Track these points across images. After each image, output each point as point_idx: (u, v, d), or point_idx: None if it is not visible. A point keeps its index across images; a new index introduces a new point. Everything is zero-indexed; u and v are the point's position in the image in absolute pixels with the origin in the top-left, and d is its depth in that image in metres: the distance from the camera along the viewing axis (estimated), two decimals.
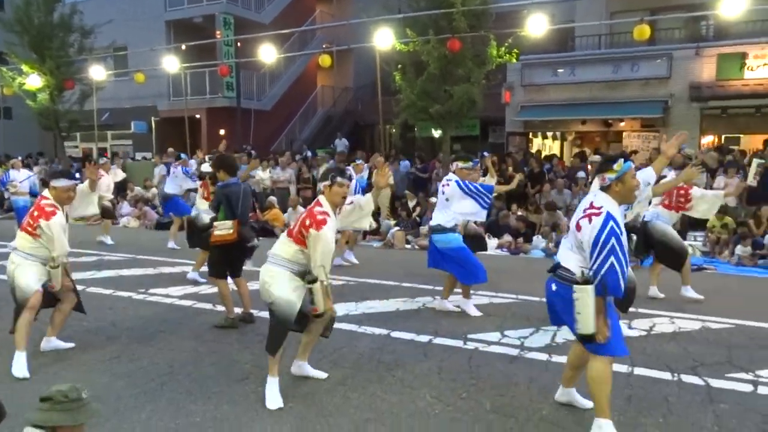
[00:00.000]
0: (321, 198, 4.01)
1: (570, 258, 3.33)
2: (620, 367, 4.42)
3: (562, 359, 4.57)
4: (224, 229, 5.36)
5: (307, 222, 3.81)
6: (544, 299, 6.49)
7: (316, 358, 4.65)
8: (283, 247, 3.97)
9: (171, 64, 15.91)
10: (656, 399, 3.89)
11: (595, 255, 3.10)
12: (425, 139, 20.40)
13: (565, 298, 3.25)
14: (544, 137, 17.84)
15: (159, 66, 16.17)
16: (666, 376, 4.29)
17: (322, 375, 4.25)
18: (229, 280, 5.59)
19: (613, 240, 3.07)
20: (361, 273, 7.85)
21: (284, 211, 12.27)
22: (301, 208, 12.43)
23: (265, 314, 5.77)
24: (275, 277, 3.90)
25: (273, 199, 12.51)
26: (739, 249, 9.03)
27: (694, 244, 9.69)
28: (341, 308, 6.10)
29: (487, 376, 4.30)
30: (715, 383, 4.15)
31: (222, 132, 19.94)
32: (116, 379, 4.28)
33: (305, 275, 3.85)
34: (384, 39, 12.77)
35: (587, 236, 3.14)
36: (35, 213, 4.51)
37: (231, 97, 18.99)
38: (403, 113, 13.72)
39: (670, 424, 3.53)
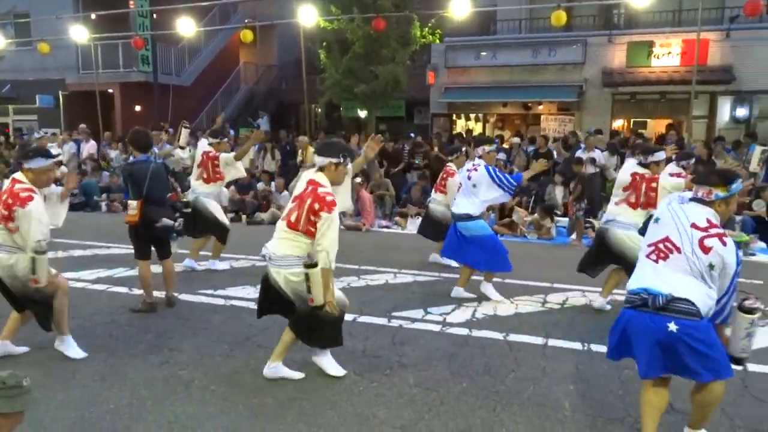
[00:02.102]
0: (319, 176, 3.71)
1: (691, 287, 2.80)
2: (536, 340, 4.65)
3: (482, 333, 4.77)
4: (131, 209, 5.11)
5: (316, 206, 3.53)
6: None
7: (239, 339, 4.59)
8: (292, 244, 3.65)
9: (79, 34, 14.91)
10: (568, 368, 4.11)
11: (731, 285, 2.80)
12: (351, 119, 20.33)
13: (693, 337, 2.76)
14: (468, 119, 18.22)
15: (66, 36, 15.12)
16: (577, 346, 4.54)
17: (299, 375, 3.89)
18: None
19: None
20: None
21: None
22: (224, 189, 12.09)
23: (188, 297, 5.66)
24: (312, 282, 3.53)
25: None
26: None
27: None
28: None
29: (410, 352, 4.39)
30: None
31: (138, 108, 19.00)
32: (25, 368, 4.02)
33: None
34: (308, 16, 12.53)
35: (724, 260, 2.75)
36: (9, 201, 3.89)
37: (147, 72, 18.04)
38: (327, 92, 13.61)
39: (580, 391, 3.75)
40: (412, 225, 10.56)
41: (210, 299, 5.68)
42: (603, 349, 4.45)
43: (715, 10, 14.76)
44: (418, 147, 12.37)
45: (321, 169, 3.74)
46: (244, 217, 11.17)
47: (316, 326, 3.75)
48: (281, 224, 3.75)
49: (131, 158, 5.41)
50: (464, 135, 14.59)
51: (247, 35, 13.25)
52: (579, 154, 10.53)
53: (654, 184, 5.08)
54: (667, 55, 14.47)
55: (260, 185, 11.79)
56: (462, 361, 4.23)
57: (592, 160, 10.38)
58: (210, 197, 6.70)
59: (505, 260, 5.67)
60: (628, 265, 5.09)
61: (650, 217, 3.37)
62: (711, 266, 2.77)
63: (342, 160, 3.72)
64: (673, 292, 2.80)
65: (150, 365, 4.10)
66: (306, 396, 3.66)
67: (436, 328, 4.93)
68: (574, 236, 9.18)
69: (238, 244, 7.45)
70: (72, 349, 4.24)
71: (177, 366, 4.07)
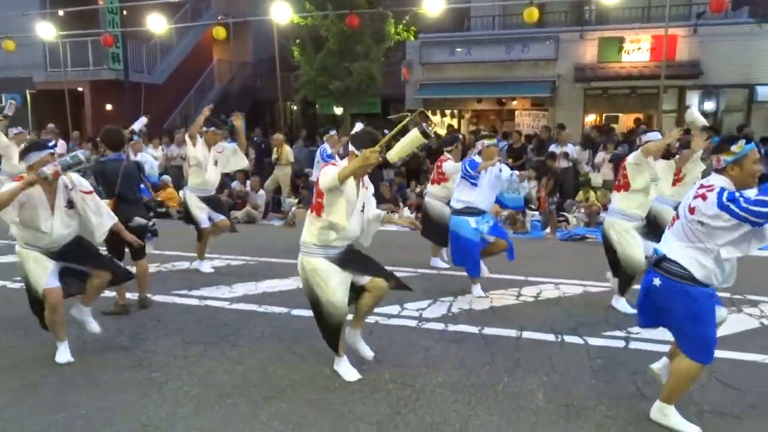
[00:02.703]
0: (341, 162, 3.71)
1: (680, 250, 3.07)
2: (510, 332, 4.70)
3: (457, 327, 4.80)
4: None
5: (318, 176, 3.61)
6: (443, 271, 6.74)
7: (213, 339, 4.55)
8: (308, 228, 3.71)
9: (46, 31, 14.59)
10: (541, 359, 4.17)
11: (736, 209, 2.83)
12: (326, 116, 20.25)
13: (670, 296, 3.09)
14: (443, 115, 18.28)
15: (32, 33, 14.78)
16: (550, 337, 4.60)
17: (369, 354, 3.98)
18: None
19: (741, 198, 2.81)
20: (261, 252, 7.71)
21: (179, 189, 11.76)
22: None
23: (161, 298, 5.60)
24: (321, 276, 3.66)
25: (167, 178, 11.94)
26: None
27: (578, 215, 10.41)
28: (240, 289, 6.01)
29: (387, 347, 4.40)
30: (593, 341, 4.51)
31: (109, 107, 18.67)
32: None
33: (344, 257, 3.74)
34: (281, 12, 12.45)
35: (709, 211, 2.89)
36: None
37: (117, 70, 17.72)
38: (302, 89, 13.53)
39: (553, 382, 3.80)
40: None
41: (184, 300, 5.62)
42: (576, 340, 4.55)
43: (682, 7, 15.06)
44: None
45: (348, 156, 3.72)
46: None
47: (319, 320, 3.83)
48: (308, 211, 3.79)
49: (102, 157, 5.31)
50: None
51: (220, 32, 13.11)
52: (552, 148, 10.66)
53: (624, 163, 5.20)
54: (637, 50, 14.70)
55: (235, 184, 11.69)
56: (438, 355, 4.26)
57: (565, 155, 10.51)
58: (194, 191, 6.55)
59: (474, 266, 5.69)
60: (614, 258, 5.23)
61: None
62: (701, 223, 2.96)
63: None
64: (667, 253, 3.12)
65: (122, 368, 4.05)
66: (281, 394, 3.64)
67: (412, 323, 4.95)
68: (548, 230, 9.29)
69: (212, 243, 7.37)
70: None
71: (150, 368, 4.02)
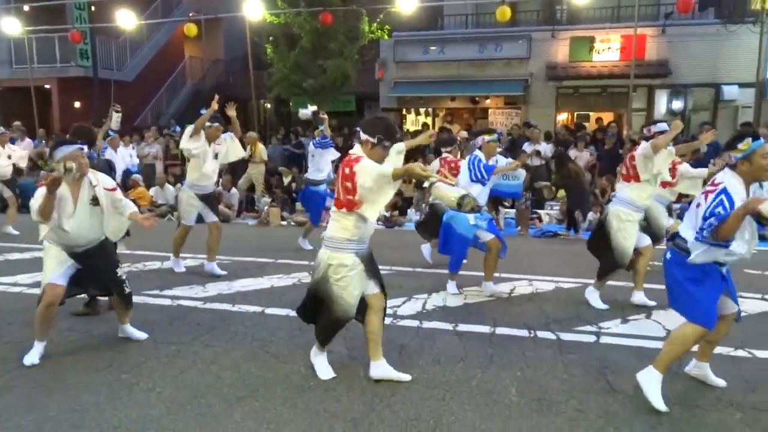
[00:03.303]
0: (357, 149, 3.57)
1: (687, 230, 3.37)
2: (483, 329, 4.75)
3: (432, 324, 4.83)
4: None
5: (347, 170, 3.43)
6: (418, 269, 6.77)
7: (186, 339, 4.50)
8: (337, 225, 3.58)
9: (11, 26, 14.23)
10: (515, 355, 4.22)
11: (707, 215, 3.15)
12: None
13: (674, 266, 3.41)
14: (417, 113, 18.35)
15: None
16: (523, 333, 4.66)
17: (406, 377, 3.78)
18: None
19: (719, 209, 3.08)
20: (235, 251, 7.64)
21: (150, 188, 11.59)
22: (169, 187, 11.82)
23: (133, 299, 5.49)
24: (347, 274, 3.55)
25: (137, 177, 11.74)
26: (590, 215, 9.95)
27: (551, 213, 10.56)
28: (213, 288, 5.95)
29: (361, 345, 4.38)
30: (565, 337, 4.58)
31: (77, 104, 18.29)
32: None
33: (367, 256, 3.67)
34: (254, 9, 12.34)
35: (703, 207, 3.20)
36: None
37: (86, 66, 17.38)
38: (276, 87, 13.43)
39: (526, 377, 3.85)
40: None
41: (156, 300, 5.55)
42: (548, 335, 4.61)
43: (651, 7, 15.36)
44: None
45: (360, 143, 3.60)
46: None
47: (318, 315, 3.78)
48: (333, 206, 3.68)
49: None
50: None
51: (191, 29, 12.96)
52: (525, 147, 10.78)
53: (634, 153, 5.23)
54: (608, 50, 14.96)
55: None
56: (412, 352, 4.28)
57: (537, 153, 10.64)
58: (192, 188, 6.42)
59: (457, 262, 5.72)
60: (606, 244, 5.26)
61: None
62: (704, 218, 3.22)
63: (376, 141, 3.50)
64: (680, 231, 3.43)
65: (93, 370, 3.97)
66: (255, 393, 3.62)
67: (387, 320, 4.90)
68: (520, 227, 9.40)
69: (185, 242, 7.28)
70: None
71: (120, 369, 3.96)
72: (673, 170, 5.77)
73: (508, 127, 14.16)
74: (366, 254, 3.69)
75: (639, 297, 5.36)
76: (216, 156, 6.43)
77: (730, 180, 3.22)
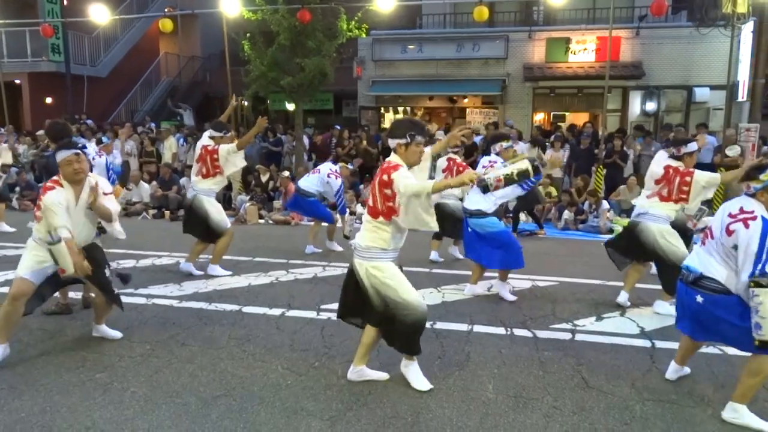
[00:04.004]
0: (393, 157, 3.49)
1: (717, 268, 3.28)
2: (461, 326, 4.77)
3: None
4: None
5: (384, 177, 3.36)
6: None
7: (161, 339, 4.44)
8: (373, 235, 3.48)
9: None
10: (492, 352, 4.25)
11: (764, 257, 3.05)
12: (278, 112, 20.02)
13: (717, 310, 3.27)
14: (396, 112, 18.36)
15: None
16: (500, 331, 4.70)
17: (384, 375, 3.77)
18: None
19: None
20: (211, 249, 7.55)
21: (124, 185, 11.40)
22: (144, 184, 11.65)
23: None
24: (394, 278, 3.47)
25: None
26: (566, 214, 10.08)
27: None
28: (190, 287, 5.88)
29: (339, 344, 4.39)
30: (541, 334, 4.63)
31: (49, 100, 17.90)
32: None
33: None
34: (231, 6, 12.21)
35: (744, 241, 3.09)
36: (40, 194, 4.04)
37: (58, 62, 17.03)
38: (253, 85, 13.31)
39: (503, 374, 3.88)
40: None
41: (131, 299, 5.46)
42: (525, 333, 4.66)
43: (625, 9, 15.58)
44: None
45: (395, 150, 3.53)
46: (167, 213, 10.79)
47: (391, 327, 3.58)
48: (364, 214, 3.59)
49: (46, 151, 5.13)
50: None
51: (166, 25, 12.77)
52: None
53: (688, 178, 4.93)
54: (583, 51, 15.15)
55: (184, 181, 11.42)
56: (389, 350, 4.23)
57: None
58: (211, 195, 6.32)
59: (519, 256, 5.52)
60: (658, 259, 5.11)
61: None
62: (735, 247, 3.17)
63: (409, 139, 3.44)
64: (704, 271, 3.35)
65: (64, 370, 3.89)
66: (232, 392, 3.59)
67: None
68: None
69: (160, 241, 7.20)
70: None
71: (94, 369, 3.89)
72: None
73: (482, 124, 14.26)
74: (397, 263, 3.62)
75: (624, 298, 5.40)
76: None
77: (760, 209, 3.18)
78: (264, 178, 11.89)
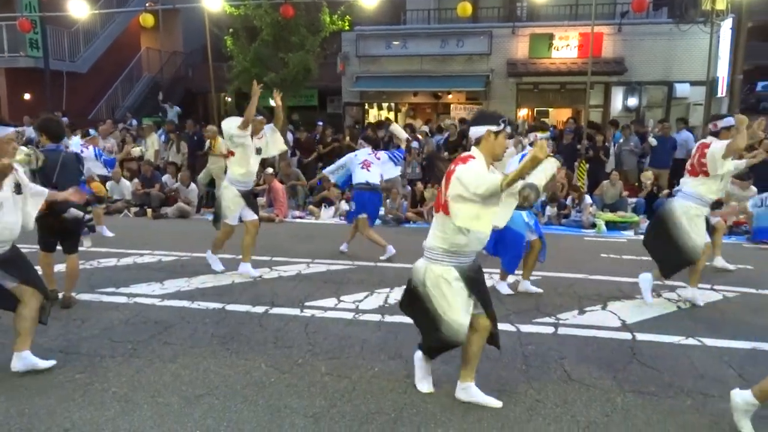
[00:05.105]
0: (474, 150, 3.25)
1: None
2: None
3: (394, 318, 4.83)
4: None
5: (454, 168, 3.18)
6: (380, 263, 6.77)
7: (143, 338, 4.40)
8: (438, 230, 3.26)
9: None
10: None
11: None
12: (262, 108, 19.83)
13: None
14: (380, 108, 18.34)
15: None
16: None
17: (497, 403, 3.41)
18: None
19: None
20: (194, 247, 7.48)
21: (105, 183, 11.24)
22: (125, 181, 11.51)
23: (86, 297, 5.35)
24: (447, 292, 3.26)
25: (92, 170, 11.37)
26: (548, 210, 10.14)
27: None
28: (172, 285, 5.83)
29: (323, 340, 4.38)
30: (524, 328, 4.66)
31: (27, 96, 17.60)
32: None
33: (471, 271, 3.32)
34: (213, 0, 12.10)
35: None
36: None
37: (36, 57, 16.73)
38: (236, 80, 13.22)
39: (486, 368, 3.89)
40: (326, 214, 10.54)
41: (111, 297, 5.40)
42: (508, 327, 4.67)
43: (607, 5, 15.70)
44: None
45: (477, 142, 3.26)
46: (149, 211, 10.68)
47: (427, 332, 3.48)
48: (433, 210, 3.44)
49: (41, 147, 5.04)
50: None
51: (147, 20, 12.62)
52: None
53: (706, 150, 4.98)
54: (566, 47, 15.24)
55: (166, 178, 11.31)
56: (374, 346, 4.28)
57: None
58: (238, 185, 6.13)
59: (514, 261, 5.53)
60: (669, 237, 5.07)
61: None
62: None
63: (502, 126, 3.21)
64: None
65: (43, 370, 3.83)
66: (214, 391, 3.56)
67: (349, 315, 4.95)
68: None
69: (142, 239, 7.12)
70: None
71: (73, 370, 3.83)
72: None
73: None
74: (470, 272, 3.35)
75: (692, 293, 5.30)
76: (258, 151, 6.17)
77: None
78: None
